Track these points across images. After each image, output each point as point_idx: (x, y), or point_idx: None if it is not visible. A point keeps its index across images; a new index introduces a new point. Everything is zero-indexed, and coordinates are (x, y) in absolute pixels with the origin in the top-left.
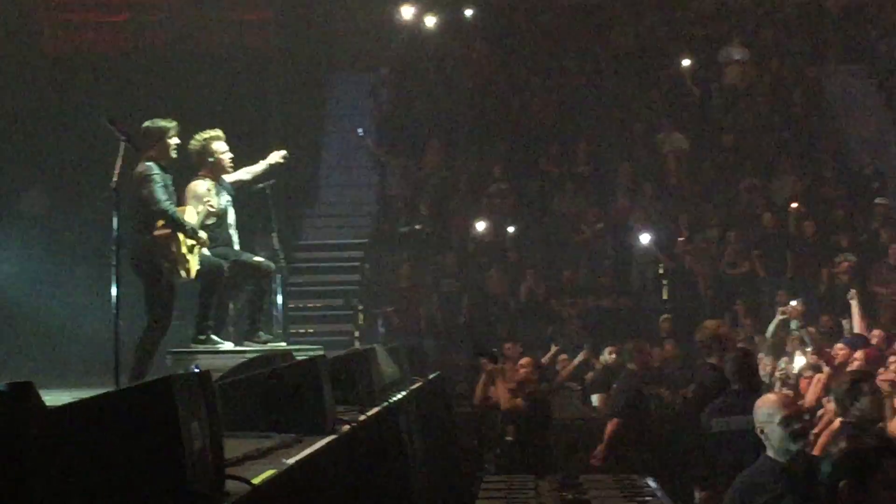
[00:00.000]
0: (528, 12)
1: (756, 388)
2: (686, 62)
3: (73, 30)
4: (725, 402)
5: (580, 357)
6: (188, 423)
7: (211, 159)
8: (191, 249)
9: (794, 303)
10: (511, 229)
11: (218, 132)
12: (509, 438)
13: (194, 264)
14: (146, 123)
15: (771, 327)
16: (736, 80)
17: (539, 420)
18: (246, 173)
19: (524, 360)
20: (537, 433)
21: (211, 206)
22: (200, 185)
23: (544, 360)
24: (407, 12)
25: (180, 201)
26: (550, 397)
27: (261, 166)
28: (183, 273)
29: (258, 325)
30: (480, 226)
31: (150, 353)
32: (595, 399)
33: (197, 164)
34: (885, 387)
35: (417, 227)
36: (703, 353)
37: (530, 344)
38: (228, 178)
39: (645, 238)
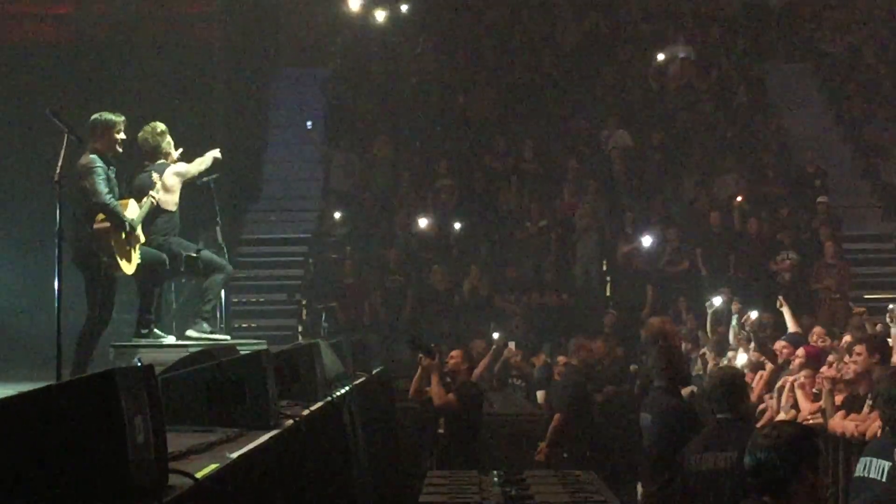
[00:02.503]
0: (473, 8)
1: (679, 383)
2: (631, 60)
3: (16, 21)
4: (650, 398)
5: (506, 353)
6: (131, 417)
7: (164, 152)
8: (132, 244)
9: (741, 308)
10: (456, 225)
11: (164, 127)
12: (441, 431)
13: (135, 259)
14: (94, 116)
15: (707, 323)
16: (680, 78)
17: (471, 413)
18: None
19: (454, 352)
20: (469, 426)
21: (154, 197)
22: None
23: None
24: (353, 5)
25: (125, 194)
26: (493, 393)
27: (197, 166)
28: (123, 266)
29: (205, 315)
30: (424, 221)
31: (91, 347)
32: (539, 395)
33: (148, 156)
34: (826, 384)
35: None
36: (649, 349)
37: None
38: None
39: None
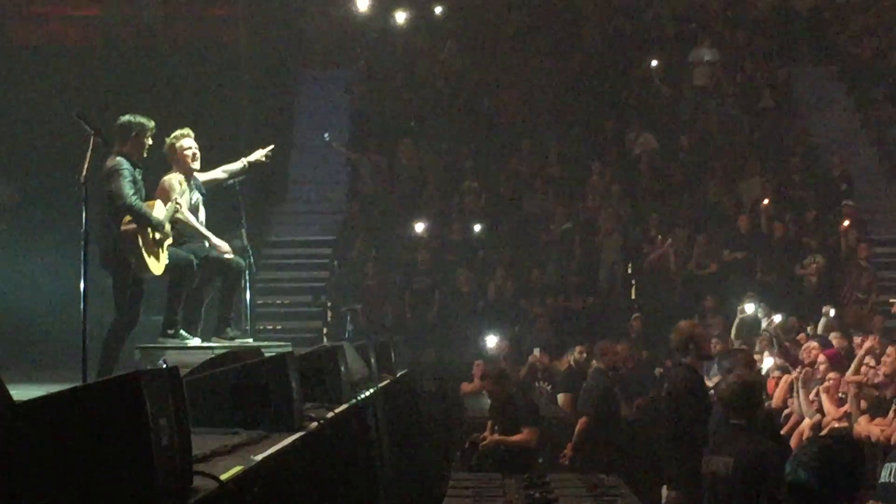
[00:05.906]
0: (498, 11)
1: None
2: (656, 63)
3: (43, 22)
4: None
5: (531, 359)
6: (156, 418)
7: (176, 156)
8: (159, 245)
9: (765, 313)
10: (481, 228)
11: (186, 130)
12: (485, 434)
13: (162, 260)
14: (126, 118)
15: (733, 329)
16: (705, 81)
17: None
18: (222, 172)
19: (488, 380)
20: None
21: (178, 202)
22: (173, 180)
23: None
24: (374, 8)
25: (152, 196)
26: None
27: (239, 164)
28: (151, 268)
29: (227, 321)
30: (450, 224)
31: (117, 348)
32: (560, 398)
33: (169, 160)
34: (851, 388)
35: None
36: (678, 353)
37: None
38: (202, 176)
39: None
